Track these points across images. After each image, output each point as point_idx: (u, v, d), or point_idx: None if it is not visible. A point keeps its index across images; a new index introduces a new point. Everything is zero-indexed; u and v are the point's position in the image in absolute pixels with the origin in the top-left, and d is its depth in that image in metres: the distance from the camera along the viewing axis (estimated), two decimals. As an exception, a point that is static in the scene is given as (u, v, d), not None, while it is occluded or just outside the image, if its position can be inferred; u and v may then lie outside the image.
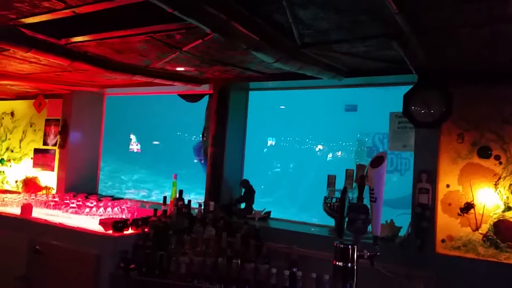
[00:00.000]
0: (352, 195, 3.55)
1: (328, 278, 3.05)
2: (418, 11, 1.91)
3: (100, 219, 3.66)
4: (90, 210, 4.13)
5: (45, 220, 3.99)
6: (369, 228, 2.42)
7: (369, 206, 2.07)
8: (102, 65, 3.44)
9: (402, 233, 3.39)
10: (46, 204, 4.50)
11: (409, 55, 2.54)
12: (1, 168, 6.01)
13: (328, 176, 3.82)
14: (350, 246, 1.87)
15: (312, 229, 3.78)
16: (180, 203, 3.79)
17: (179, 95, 5.10)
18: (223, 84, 4.25)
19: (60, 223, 3.85)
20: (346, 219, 2.19)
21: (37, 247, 3.79)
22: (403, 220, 3.53)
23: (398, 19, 1.89)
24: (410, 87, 3.24)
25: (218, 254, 3.25)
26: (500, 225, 2.94)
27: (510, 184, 2.92)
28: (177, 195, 3.87)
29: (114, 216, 3.99)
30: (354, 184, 3.67)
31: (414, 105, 3.20)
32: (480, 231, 2.99)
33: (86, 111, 5.48)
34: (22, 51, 2.91)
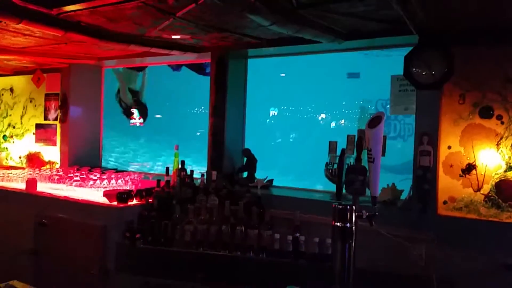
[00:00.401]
0: (352, 158, 3.54)
1: (330, 242, 3.09)
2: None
3: (104, 191, 3.69)
4: (94, 182, 4.16)
5: (50, 194, 4.03)
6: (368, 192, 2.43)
7: (367, 167, 2.06)
8: (96, 35, 3.38)
9: (404, 196, 3.40)
10: (50, 179, 4.54)
11: (409, 14, 2.46)
12: (4, 144, 6.03)
13: (330, 142, 3.80)
14: (348, 207, 1.87)
15: (317, 195, 3.80)
16: (182, 173, 3.80)
17: (186, 66, 5.04)
18: (221, 52, 4.18)
19: (65, 196, 3.89)
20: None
21: (43, 220, 3.84)
22: (406, 185, 3.53)
23: (397, -26, 1.82)
24: (410, 48, 3.17)
25: (222, 222, 3.29)
26: (502, 185, 2.94)
27: (513, 144, 2.90)
28: (180, 166, 3.88)
29: (118, 188, 4.02)
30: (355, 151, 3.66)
31: (415, 67, 3.13)
32: (482, 192, 2.99)
33: (85, 85, 5.44)
34: (13, 22, 2.85)
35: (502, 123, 2.92)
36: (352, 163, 3.24)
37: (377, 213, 2.04)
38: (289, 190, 4.09)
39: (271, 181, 4.15)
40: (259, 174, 4.20)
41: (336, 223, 1.87)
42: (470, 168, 3.03)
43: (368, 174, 2.02)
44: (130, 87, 5.91)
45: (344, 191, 3.07)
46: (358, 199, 2.09)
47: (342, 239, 1.87)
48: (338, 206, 1.91)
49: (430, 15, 2.55)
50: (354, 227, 1.86)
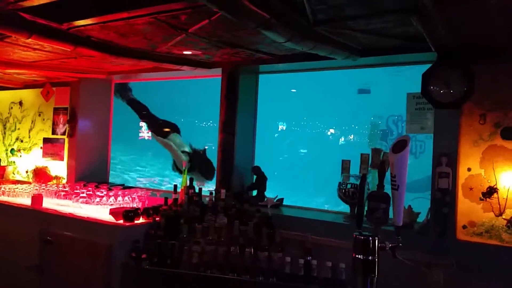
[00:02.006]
0: (368, 179, 3.42)
1: (344, 266, 2.96)
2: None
3: (110, 209, 3.61)
4: (100, 199, 4.07)
5: (56, 210, 3.95)
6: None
7: (390, 195, 1.95)
8: (106, 50, 3.33)
9: (421, 219, 3.27)
10: (56, 194, 4.46)
11: (429, 31, 2.37)
12: (12, 158, 5.99)
13: (343, 161, 3.70)
14: (370, 238, 1.75)
15: (329, 216, 3.67)
16: (191, 191, 3.71)
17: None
18: (232, 67, 4.11)
19: (70, 213, 3.81)
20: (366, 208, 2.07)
21: (48, 237, 3.76)
22: (418, 204, 3.41)
23: (421, -10, 1.73)
24: (426, 66, 3.07)
25: (231, 243, 3.17)
26: (525, 210, 2.80)
27: (537, 167, 2.77)
28: (188, 183, 3.78)
29: (124, 205, 3.93)
30: (369, 169, 3.55)
31: (433, 85, 3.03)
32: (504, 217, 2.85)
33: (94, 99, 5.40)
34: (23, 37, 2.81)
35: (526, 145, 2.80)
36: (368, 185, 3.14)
37: (400, 244, 1.92)
38: (300, 210, 3.97)
39: (281, 200, 4.04)
40: (270, 191, 4.10)
41: (357, 255, 1.75)
42: (491, 191, 2.89)
43: (391, 203, 1.91)
44: (184, 150, 5.82)
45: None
46: (380, 228, 1.97)
47: (363, 272, 1.75)
48: (360, 236, 1.78)
49: (452, 32, 2.46)
50: (377, 260, 1.74)
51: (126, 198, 4.05)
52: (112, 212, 3.53)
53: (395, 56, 3.31)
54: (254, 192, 4.13)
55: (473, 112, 2.97)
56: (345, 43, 3.03)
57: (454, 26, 2.39)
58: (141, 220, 3.56)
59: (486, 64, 2.90)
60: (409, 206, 3.30)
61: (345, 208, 3.71)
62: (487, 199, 2.91)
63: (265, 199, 3.98)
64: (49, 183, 5.09)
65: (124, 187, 4.51)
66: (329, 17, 2.38)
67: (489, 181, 2.91)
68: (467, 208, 2.96)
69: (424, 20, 2.18)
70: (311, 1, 2.15)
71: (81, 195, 4.17)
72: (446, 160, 3.00)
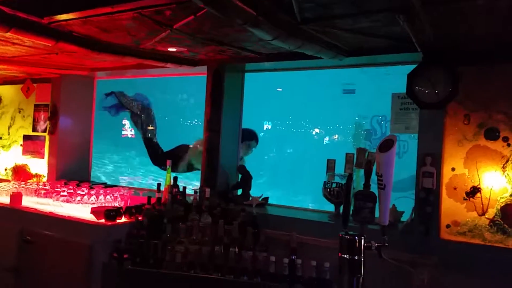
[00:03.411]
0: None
1: (328, 266, 2.95)
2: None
3: (92, 208, 3.54)
4: (81, 198, 3.99)
5: (35, 209, 3.86)
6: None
7: (376, 194, 1.94)
8: (88, 45, 3.25)
9: (404, 218, 3.28)
10: (36, 193, 4.36)
11: (416, 31, 2.37)
12: (-10, 155, 5.84)
13: (328, 160, 3.70)
14: (357, 238, 1.74)
15: (314, 215, 3.67)
16: (175, 190, 3.66)
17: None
18: (217, 65, 4.07)
19: (50, 212, 3.72)
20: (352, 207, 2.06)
21: (27, 237, 3.66)
22: (402, 203, 3.43)
23: (408, -11, 1.72)
24: (412, 67, 3.09)
25: (215, 242, 3.14)
26: (507, 210, 2.83)
27: (519, 167, 2.80)
28: (172, 182, 3.73)
29: (106, 204, 3.86)
30: (354, 169, 3.55)
31: (418, 85, 3.05)
32: (486, 216, 2.88)
33: (76, 96, 5.29)
34: (1, 30, 2.71)
35: (509, 145, 2.83)
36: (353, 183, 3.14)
37: (386, 244, 1.91)
38: (285, 209, 3.96)
39: (266, 199, 4.02)
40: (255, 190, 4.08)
41: (343, 255, 1.73)
42: (474, 191, 2.92)
43: (377, 202, 1.90)
44: None
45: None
46: (366, 227, 1.96)
47: (350, 272, 1.73)
48: (346, 236, 1.77)
49: (438, 33, 2.47)
50: (363, 260, 1.73)
51: (108, 197, 3.98)
52: (94, 211, 3.46)
53: (381, 56, 3.31)
54: (239, 191, 4.10)
55: (457, 112, 2.99)
56: (332, 42, 3.02)
57: (440, 27, 2.40)
58: (123, 219, 3.49)
59: (471, 65, 2.93)
60: (393, 205, 3.31)
61: (330, 207, 3.71)
62: (471, 199, 2.93)
63: (250, 198, 3.96)
64: (29, 181, 4.97)
65: (106, 186, 4.42)
66: (316, 15, 2.37)
67: (472, 181, 2.93)
68: (451, 208, 2.98)
69: (411, 20, 2.18)
70: (298, -1, 2.13)
71: (62, 193, 4.08)
72: (430, 160, 3.01)
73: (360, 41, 2.98)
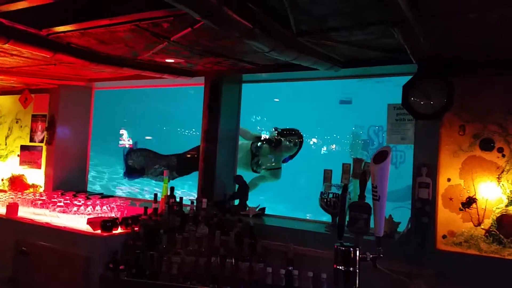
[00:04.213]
0: (349, 189, 3.44)
1: (325, 277, 2.95)
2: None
3: (88, 219, 3.52)
4: (78, 209, 3.98)
5: (32, 220, 3.84)
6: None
7: (371, 205, 1.95)
8: (86, 57, 3.27)
9: (401, 228, 3.29)
10: (33, 203, 4.34)
11: (411, 43, 2.41)
12: (-13, 165, 5.82)
13: (324, 170, 3.71)
14: (351, 249, 1.74)
15: (311, 226, 3.66)
16: (171, 200, 3.66)
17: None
18: (215, 76, 4.10)
19: (47, 223, 3.71)
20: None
21: (23, 248, 3.64)
22: (399, 214, 3.43)
23: (402, 3, 1.75)
24: (407, 78, 3.12)
25: (211, 253, 3.13)
26: (503, 220, 2.84)
27: (514, 178, 2.82)
28: (169, 192, 3.73)
29: (103, 215, 3.85)
30: (351, 179, 3.56)
31: (414, 96, 3.08)
32: (482, 226, 2.89)
33: (74, 106, 5.30)
34: (0, 42, 2.74)
35: (503, 156, 2.85)
36: (350, 194, 3.15)
37: (382, 255, 1.92)
38: (282, 219, 3.95)
39: (263, 209, 4.02)
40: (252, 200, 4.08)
41: (338, 266, 1.73)
42: (470, 201, 2.93)
43: (372, 213, 1.91)
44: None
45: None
46: (361, 239, 1.96)
47: (345, 283, 1.73)
48: (341, 247, 1.78)
49: (432, 45, 2.50)
50: (358, 271, 1.73)
51: (105, 207, 3.97)
52: (90, 222, 3.45)
53: (377, 68, 3.35)
54: (236, 201, 4.10)
55: (452, 123, 3.02)
56: (328, 54, 3.05)
57: (434, 39, 2.43)
58: (119, 230, 3.48)
59: (465, 76, 2.96)
60: (390, 215, 3.32)
61: (326, 217, 3.71)
62: (466, 209, 2.94)
63: (247, 209, 3.96)
64: (25, 191, 4.95)
65: (103, 196, 4.41)
66: (312, 28, 2.40)
67: (468, 191, 2.95)
68: (447, 218, 2.99)
69: (405, 32, 2.22)
70: (294, 12, 2.16)
71: (58, 204, 4.07)
72: (426, 171, 3.03)
73: (356, 53, 3.01)
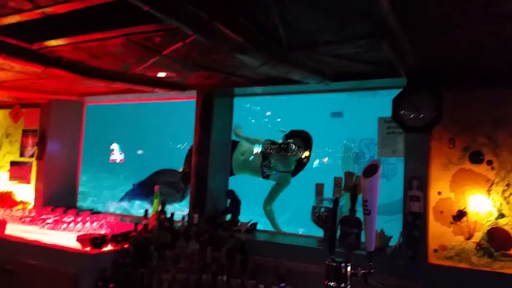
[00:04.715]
0: (341, 203, 3.43)
1: (318, 292, 2.92)
2: (411, 9, 1.81)
3: (77, 236, 3.47)
4: (67, 225, 3.93)
5: (20, 237, 3.76)
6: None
7: (362, 219, 1.94)
8: (78, 71, 3.27)
9: (393, 242, 3.28)
10: (21, 220, 4.28)
11: (399, 56, 2.44)
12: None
13: (316, 184, 3.69)
14: (343, 264, 1.73)
15: (303, 241, 3.64)
16: (162, 216, 3.61)
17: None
18: (207, 90, 4.11)
19: (35, 240, 3.64)
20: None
21: (8, 266, 3.55)
22: (391, 227, 3.42)
23: (390, 17, 1.78)
24: (398, 91, 3.15)
25: (203, 270, 3.08)
26: (493, 233, 2.85)
27: (503, 190, 2.84)
28: (160, 208, 3.69)
29: (92, 232, 3.79)
30: (343, 193, 3.55)
31: (404, 109, 3.10)
32: (473, 240, 2.89)
33: (65, 121, 5.27)
34: (-10, 56, 2.73)
35: (493, 168, 2.87)
36: (340, 206, 3.13)
37: (373, 270, 1.91)
38: (274, 234, 3.93)
39: (255, 224, 3.98)
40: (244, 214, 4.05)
41: (329, 283, 1.72)
42: (461, 215, 2.94)
43: (363, 227, 1.90)
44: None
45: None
46: (352, 253, 1.95)
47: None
48: (332, 263, 1.76)
49: (421, 58, 2.53)
50: (349, 287, 1.72)
51: (94, 224, 3.92)
52: (79, 239, 3.40)
53: (367, 81, 3.38)
54: (228, 217, 4.07)
55: (442, 136, 3.04)
56: (318, 68, 3.07)
57: (422, 52, 2.46)
58: (109, 247, 3.42)
59: (454, 89, 3.00)
60: (381, 229, 3.31)
61: (318, 231, 3.69)
62: (457, 223, 2.95)
63: (239, 224, 3.93)
64: (14, 208, 4.87)
65: (93, 212, 4.36)
66: (302, 42, 2.42)
67: (459, 204, 2.96)
68: (438, 232, 2.99)
69: (393, 46, 2.24)
70: (285, 27, 2.18)
71: (48, 221, 4.02)
72: (417, 184, 3.04)
73: (346, 67, 3.05)
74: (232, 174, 5.10)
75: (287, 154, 4.95)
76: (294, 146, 4.98)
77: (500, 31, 2.06)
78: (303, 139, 5.08)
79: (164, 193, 4.93)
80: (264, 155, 5.08)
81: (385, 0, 1.61)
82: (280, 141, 5.17)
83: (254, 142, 5.37)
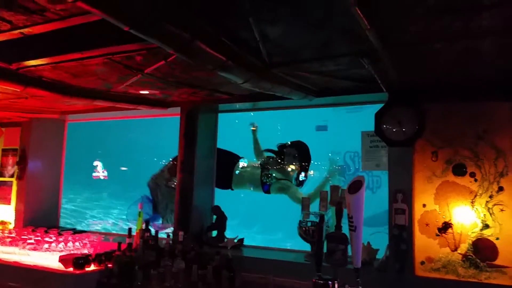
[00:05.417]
0: (327, 216, 3.43)
1: (306, 308, 2.89)
2: (390, 27, 1.84)
3: (60, 256, 3.39)
4: (49, 245, 3.82)
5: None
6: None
7: (348, 235, 1.94)
8: (59, 90, 3.22)
9: (380, 255, 3.28)
10: (1, 241, 4.15)
11: (380, 72, 2.47)
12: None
13: (303, 198, 3.70)
14: (330, 282, 1.71)
15: (290, 256, 3.61)
16: (146, 234, 3.55)
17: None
18: (191, 106, 4.09)
19: (15, 262, 3.55)
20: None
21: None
22: (377, 239, 3.42)
23: (370, 35, 1.80)
24: (380, 105, 3.18)
25: (189, 288, 3.03)
26: (479, 244, 2.87)
27: (487, 201, 2.87)
28: (143, 226, 3.63)
29: (75, 252, 3.71)
30: (329, 206, 3.55)
31: (386, 124, 3.14)
32: (459, 251, 2.91)
33: (46, 140, 5.18)
34: (-33, 77, 2.67)
35: (476, 180, 2.90)
36: (326, 220, 3.13)
37: (360, 287, 1.89)
38: (261, 250, 3.89)
39: (241, 240, 3.95)
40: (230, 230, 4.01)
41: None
42: (446, 226, 2.96)
43: (349, 244, 1.89)
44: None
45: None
46: (339, 270, 1.94)
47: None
48: (319, 281, 1.74)
49: (401, 73, 2.57)
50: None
51: (77, 243, 3.83)
52: (62, 260, 3.32)
53: (350, 97, 3.41)
54: (214, 233, 4.03)
55: (425, 149, 3.07)
56: (302, 84, 3.09)
57: (403, 68, 2.50)
58: (92, 267, 3.35)
59: (436, 103, 3.04)
60: (368, 242, 3.31)
61: (305, 246, 3.67)
62: (443, 235, 2.96)
63: (225, 240, 3.88)
64: (-7, 229, 4.74)
65: (75, 232, 4.27)
66: (284, 59, 2.43)
67: (444, 216, 2.98)
68: (424, 244, 3.00)
69: (374, 63, 2.27)
70: (266, 45, 2.19)
71: (29, 241, 3.91)
72: (401, 197, 3.06)
73: (328, 83, 3.07)
74: (231, 188, 5.11)
75: (284, 164, 4.96)
76: (289, 156, 5.01)
77: (478, 46, 2.10)
78: (298, 148, 5.11)
79: None
80: (263, 167, 5.09)
81: (366, 19, 1.62)
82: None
83: (258, 150, 5.39)
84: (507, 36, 1.94)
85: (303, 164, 5.16)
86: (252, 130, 5.44)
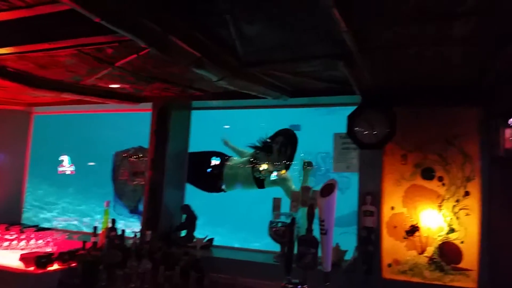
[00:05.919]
0: (298, 215, 3.43)
1: (275, 310, 2.88)
2: (367, 30, 1.84)
3: (21, 254, 3.24)
4: (10, 243, 3.67)
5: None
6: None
7: (319, 239, 1.93)
8: (24, 81, 3.09)
9: (348, 256, 3.30)
10: (-42, 238, 3.95)
11: (355, 75, 2.48)
12: None
13: (274, 199, 3.68)
14: (299, 286, 1.70)
15: (260, 256, 3.59)
16: (112, 233, 3.45)
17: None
18: (163, 102, 4.00)
19: (-28, 260, 3.36)
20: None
21: None
22: (345, 240, 3.45)
23: (346, 37, 1.80)
24: (353, 108, 3.20)
25: (155, 289, 2.96)
26: (444, 247, 2.94)
27: (453, 206, 2.94)
28: (110, 225, 3.52)
29: (38, 250, 3.57)
30: (300, 207, 3.55)
31: (358, 126, 3.16)
32: (425, 254, 2.97)
33: (10, 132, 4.97)
34: None
35: (443, 184, 2.97)
36: (297, 220, 3.13)
37: (329, 291, 1.89)
38: (230, 250, 3.86)
39: (211, 240, 3.90)
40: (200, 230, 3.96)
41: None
42: (413, 230, 3.01)
43: (320, 247, 1.88)
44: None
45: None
46: (308, 274, 1.92)
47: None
48: (288, 284, 1.73)
49: (375, 77, 2.59)
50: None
51: (40, 241, 3.68)
52: (22, 258, 3.18)
53: (324, 98, 3.42)
54: (183, 233, 3.96)
55: (395, 152, 3.12)
56: (277, 84, 3.08)
57: (377, 71, 2.52)
58: (55, 266, 3.22)
59: (407, 107, 3.09)
60: (337, 244, 3.33)
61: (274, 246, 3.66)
62: (410, 237, 3.01)
63: (194, 240, 3.83)
64: (-50, 225, 4.51)
65: (38, 229, 4.10)
66: (259, 59, 2.41)
67: (411, 219, 3.03)
68: (392, 247, 3.04)
69: (350, 65, 2.28)
70: (242, 43, 2.16)
71: (-13, 238, 3.73)
72: (370, 199, 3.09)
73: (303, 84, 3.07)
74: (222, 191, 5.02)
75: (272, 154, 4.88)
76: (277, 145, 4.94)
77: (448, 53, 2.14)
78: (285, 136, 5.06)
79: None
80: (252, 163, 5.02)
81: (344, 21, 1.62)
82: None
83: (241, 153, 5.30)
84: (474, 44, 1.98)
85: (292, 149, 5.11)
86: (225, 143, 5.37)
